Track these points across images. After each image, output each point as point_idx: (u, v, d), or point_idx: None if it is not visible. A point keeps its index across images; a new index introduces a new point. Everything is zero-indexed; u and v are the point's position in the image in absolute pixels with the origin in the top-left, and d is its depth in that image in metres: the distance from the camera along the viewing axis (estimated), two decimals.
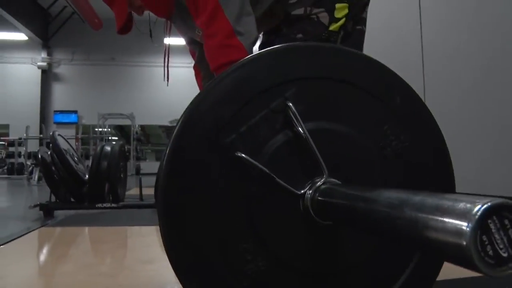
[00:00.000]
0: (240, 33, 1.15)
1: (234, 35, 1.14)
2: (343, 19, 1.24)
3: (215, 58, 1.18)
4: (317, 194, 0.65)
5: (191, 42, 1.57)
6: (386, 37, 4.71)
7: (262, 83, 0.67)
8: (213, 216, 0.64)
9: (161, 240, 0.65)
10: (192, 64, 1.67)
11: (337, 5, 1.24)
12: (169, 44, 1.51)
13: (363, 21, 1.34)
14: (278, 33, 1.30)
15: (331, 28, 1.23)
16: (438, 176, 0.74)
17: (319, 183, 0.66)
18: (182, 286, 0.64)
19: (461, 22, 3.57)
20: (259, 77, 0.68)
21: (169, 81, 1.59)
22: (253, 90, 0.67)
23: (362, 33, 1.34)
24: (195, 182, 0.64)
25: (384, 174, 0.71)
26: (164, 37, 1.50)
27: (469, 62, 3.46)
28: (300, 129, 0.66)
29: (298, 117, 0.66)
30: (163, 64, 1.58)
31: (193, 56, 1.64)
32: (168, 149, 0.66)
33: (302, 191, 0.66)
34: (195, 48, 1.58)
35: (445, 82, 3.79)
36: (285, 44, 0.74)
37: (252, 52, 1.15)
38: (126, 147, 12.72)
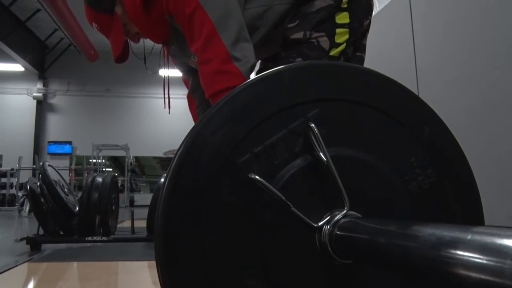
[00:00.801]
0: (237, 58, 1.10)
1: (230, 61, 1.09)
2: (344, 45, 1.21)
3: (211, 84, 1.12)
4: (336, 228, 0.57)
5: (185, 70, 1.54)
6: (381, 67, 4.74)
7: (282, 101, 0.61)
8: (217, 244, 0.56)
9: (152, 277, 0.57)
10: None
11: (338, 30, 1.20)
12: (168, 72, 1.48)
13: (363, 48, 1.31)
14: (276, 58, 1.26)
15: (332, 53, 1.20)
16: (466, 215, 0.67)
17: (339, 215, 0.58)
18: None
19: (456, 52, 3.58)
20: (279, 94, 0.61)
21: (164, 112, 1.55)
22: (271, 108, 0.60)
23: (361, 60, 1.31)
24: (201, 203, 0.56)
25: (407, 210, 0.64)
26: (161, 64, 1.46)
27: (464, 92, 3.45)
28: (322, 154, 0.59)
29: (321, 140, 0.59)
30: (158, 96, 1.55)
31: (186, 85, 1.60)
32: (172, 166, 0.58)
33: (320, 224, 0.59)
34: (189, 77, 1.55)
35: (441, 111, 3.76)
36: (309, 61, 0.68)
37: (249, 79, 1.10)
38: (120, 179, 12.66)
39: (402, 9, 4.38)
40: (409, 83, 3.51)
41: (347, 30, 1.21)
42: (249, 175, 0.57)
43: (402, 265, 0.46)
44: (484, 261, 0.33)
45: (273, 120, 0.60)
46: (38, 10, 10.60)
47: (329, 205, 0.60)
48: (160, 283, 0.57)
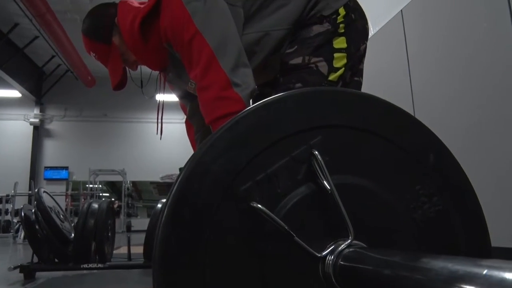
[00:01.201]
0: (237, 84, 1.09)
1: (230, 86, 1.09)
2: (342, 69, 1.21)
3: (211, 111, 1.12)
4: (340, 259, 0.56)
5: (182, 96, 1.53)
6: (377, 89, 4.77)
7: (285, 128, 0.60)
8: (217, 275, 0.54)
9: None
10: (184, 120, 1.63)
11: (336, 55, 1.21)
12: (163, 97, 1.48)
13: (360, 73, 1.32)
14: (274, 83, 1.26)
15: (330, 77, 1.20)
16: (473, 244, 0.65)
17: (343, 245, 0.57)
18: None
19: (450, 73, 3.61)
20: (282, 121, 0.60)
21: (162, 137, 1.54)
22: (274, 135, 0.59)
23: (359, 84, 1.32)
24: (201, 232, 0.55)
25: (412, 238, 0.62)
26: (157, 90, 1.46)
27: (460, 113, 3.46)
28: (325, 182, 0.58)
29: (325, 168, 0.58)
30: (155, 120, 1.54)
31: (184, 111, 1.60)
32: (172, 194, 0.56)
33: (323, 254, 0.57)
34: (186, 103, 1.55)
35: (438, 132, 3.77)
36: (311, 88, 0.67)
37: (250, 105, 1.10)
38: (117, 203, 12.49)
39: (396, 32, 4.44)
40: (405, 104, 3.54)
41: (344, 54, 1.21)
42: (251, 204, 0.56)
43: None
44: None
45: (275, 148, 0.59)
46: (36, 37, 10.70)
47: (333, 234, 0.59)
48: None
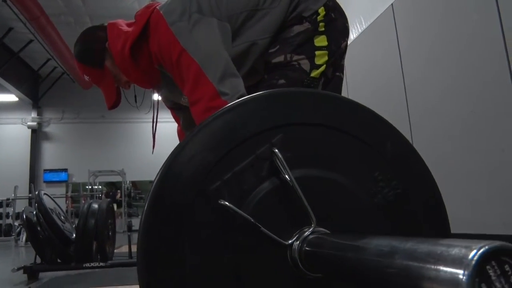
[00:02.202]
0: (225, 93, 1.13)
1: (218, 96, 1.13)
2: (324, 66, 1.25)
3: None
4: (305, 245, 0.61)
5: (175, 108, 1.57)
6: (370, 82, 4.81)
7: (248, 129, 0.65)
8: (196, 266, 0.60)
9: None
10: (177, 129, 1.67)
11: (317, 52, 1.25)
12: (157, 114, 1.52)
13: (341, 68, 1.36)
14: (259, 81, 1.30)
15: (313, 74, 1.24)
16: (432, 222, 0.70)
17: (307, 232, 0.62)
18: None
19: (443, 65, 3.66)
20: (245, 123, 0.65)
21: (158, 136, 1.60)
22: (239, 136, 0.64)
23: (340, 79, 1.36)
24: (177, 230, 0.60)
25: (375, 222, 0.68)
26: (153, 109, 1.51)
27: (453, 104, 3.51)
28: (287, 176, 0.63)
29: (285, 164, 0.63)
30: (152, 120, 1.58)
31: (176, 121, 1.64)
32: (150, 194, 0.62)
33: (290, 241, 0.62)
34: (179, 114, 1.59)
35: (431, 123, 3.83)
36: (270, 90, 0.72)
37: None
38: (119, 193, 12.41)
39: (387, 25, 4.48)
40: (398, 97, 3.60)
41: (326, 52, 1.25)
42: (220, 202, 0.61)
43: (360, 277, 0.49)
44: (440, 272, 0.36)
45: (241, 148, 0.64)
46: (31, 41, 10.70)
47: (298, 223, 0.64)
48: None
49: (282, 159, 0.64)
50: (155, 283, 0.59)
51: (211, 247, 0.61)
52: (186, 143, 0.64)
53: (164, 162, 0.64)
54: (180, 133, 1.62)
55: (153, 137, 1.55)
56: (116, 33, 1.31)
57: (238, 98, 1.13)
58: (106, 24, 1.35)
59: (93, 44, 1.35)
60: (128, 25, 1.32)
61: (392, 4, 4.42)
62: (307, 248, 0.60)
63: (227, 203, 0.61)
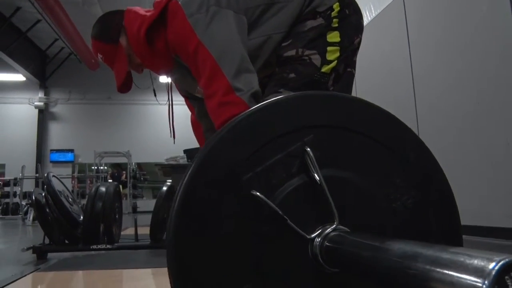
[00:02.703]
0: (239, 89, 1.15)
1: (232, 92, 1.15)
2: (335, 62, 1.26)
3: (217, 116, 1.19)
4: (326, 240, 0.64)
5: (189, 97, 1.59)
6: (378, 73, 4.80)
7: (282, 127, 0.68)
8: (223, 253, 0.64)
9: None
10: (190, 118, 1.68)
11: (329, 48, 1.26)
12: (172, 103, 1.54)
13: (353, 64, 1.36)
14: (270, 74, 1.32)
15: (323, 69, 1.25)
16: (445, 233, 0.74)
17: (329, 229, 0.65)
18: None
19: (451, 57, 3.64)
20: (279, 121, 0.69)
21: (165, 118, 1.61)
22: (272, 133, 0.68)
23: (352, 75, 1.37)
24: (209, 217, 0.64)
25: (392, 226, 0.71)
26: (168, 94, 1.53)
27: (460, 96, 3.51)
28: (315, 175, 0.67)
29: (314, 161, 0.67)
30: (159, 102, 1.59)
31: (190, 109, 1.65)
32: (184, 182, 0.66)
33: (312, 236, 0.66)
34: (193, 104, 1.60)
35: (437, 115, 3.83)
36: (304, 92, 0.75)
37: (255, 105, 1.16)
38: (124, 174, 12.52)
39: (397, 15, 4.44)
40: (405, 87, 3.59)
41: (338, 48, 1.26)
42: (251, 192, 0.64)
43: (381, 275, 0.52)
44: (460, 280, 0.39)
45: (273, 144, 0.67)
46: (39, 21, 10.69)
47: (321, 220, 0.67)
48: None
49: (313, 157, 0.67)
50: (184, 267, 0.63)
51: (237, 234, 0.65)
52: (223, 134, 0.67)
53: (201, 150, 0.67)
54: (194, 122, 1.64)
55: (171, 126, 1.57)
56: (133, 15, 1.33)
57: (252, 95, 1.16)
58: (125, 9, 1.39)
59: (110, 21, 1.38)
60: (147, 11, 1.34)
61: None
62: (327, 244, 0.64)
63: (258, 193, 0.64)
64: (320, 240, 0.65)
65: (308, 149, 0.67)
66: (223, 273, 0.63)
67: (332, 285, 0.66)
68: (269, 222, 0.65)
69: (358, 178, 0.70)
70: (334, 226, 0.65)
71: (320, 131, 0.70)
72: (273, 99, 0.72)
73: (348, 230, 0.66)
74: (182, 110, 1.56)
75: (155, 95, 1.61)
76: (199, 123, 1.60)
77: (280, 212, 0.64)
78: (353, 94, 1.37)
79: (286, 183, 0.67)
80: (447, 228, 0.74)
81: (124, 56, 1.35)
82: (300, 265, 0.65)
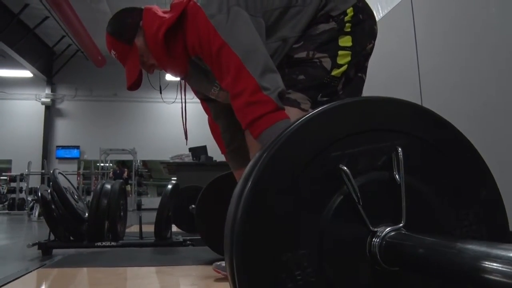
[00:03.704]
0: (266, 88, 1.15)
1: (260, 91, 1.14)
2: (346, 66, 1.26)
3: (244, 116, 1.18)
4: (387, 236, 0.65)
5: (205, 98, 1.59)
6: (385, 72, 4.78)
7: (379, 123, 0.71)
8: (290, 217, 0.65)
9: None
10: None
11: (340, 52, 1.26)
12: (185, 104, 1.54)
13: (364, 70, 1.36)
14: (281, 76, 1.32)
15: (333, 73, 1.25)
16: None
17: (394, 227, 0.66)
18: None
19: (458, 56, 3.62)
20: (378, 116, 0.71)
21: (171, 116, 1.62)
22: (367, 125, 0.70)
23: (362, 81, 1.36)
24: (290, 179, 0.65)
25: None
26: (180, 96, 1.53)
27: (467, 96, 3.49)
28: (398, 175, 0.69)
29: (402, 164, 0.69)
30: (165, 100, 1.60)
31: (206, 111, 1.65)
32: (276, 140, 0.66)
33: (376, 229, 0.67)
34: (210, 105, 1.60)
35: (444, 114, 3.80)
36: (410, 102, 0.77)
37: (281, 106, 1.16)
38: (126, 171, 12.59)
39: (404, 15, 4.42)
40: (412, 87, 3.58)
41: (349, 52, 1.26)
42: (339, 166, 0.66)
43: (445, 274, 0.55)
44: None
45: (366, 135, 0.70)
46: (47, 18, 10.75)
47: (388, 219, 0.68)
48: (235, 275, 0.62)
49: (402, 159, 0.69)
50: (253, 223, 0.63)
51: (309, 206, 0.66)
52: (316, 115, 0.69)
53: (293, 123, 0.69)
54: (211, 124, 1.64)
55: (185, 127, 1.57)
56: (151, 16, 1.33)
57: (279, 93, 1.15)
58: (143, 7, 1.38)
59: (127, 20, 1.38)
60: (164, 12, 1.34)
61: None
62: (388, 240, 0.65)
63: (345, 168, 0.66)
64: (382, 235, 0.66)
65: (400, 149, 0.69)
66: (283, 238, 0.64)
67: (388, 283, 0.67)
68: (341, 202, 0.66)
69: (433, 194, 0.72)
70: (400, 225, 0.67)
71: (412, 139, 0.72)
72: (374, 96, 0.74)
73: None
74: (188, 108, 1.56)
75: (160, 92, 1.62)
76: (217, 124, 1.61)
77: (358, 193, 0.66)
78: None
79: (367, 173, 0.69)
80: None
81: (137, 56, 1.36)
82: (358, 255, 0.67)
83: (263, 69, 1.16)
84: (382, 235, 0.66)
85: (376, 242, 0.66)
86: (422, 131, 0.73)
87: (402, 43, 4.50)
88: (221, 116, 1.57)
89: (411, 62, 4.26)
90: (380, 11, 4.98)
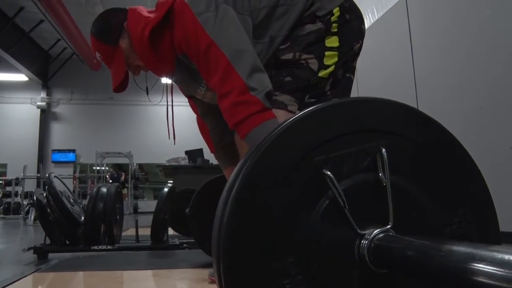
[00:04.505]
0: (253, 88, 1.14)
1: (247, 91, 1.14)
2: (333, 67, 1.25)
3: (231, 116, 1.17)
4: (375, 238, 0.65)
5: (192, 97, 1.58)
6: (380, 74, 4.79)
7: (362, 124, 0.70)
8: (278, 228, 0.64)
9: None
10: (196, 118, 1.67)
11: (327, 53, 1.25)
12: (172, 104, 1.53)
13: (352, 70, 1.35)
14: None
15: (320, 74, 1.24)
16: None
17: (381, 229, 0.66)
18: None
19: (453, 60, 3.64)
20: (360, 118, 0.70)
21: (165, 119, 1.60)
22: (351, 127, 0.69)
23: (350, 81, 1.35)
24: (272, 193, 0.64)
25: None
26: (166, 97, 1.52)
27: (462, 99, 3.50)
28: (384, 176, 0.68)
29: (386, 165, 0.68)
30: (161, 104, 1.60)
31: (193, 109, 1.65)
32: (259, 146, 0.66)
33: (363, 232, 0.66)
34: (197, 103, 1.59)
35: (439, 117, 3.81)
36: (391, 100, 0.76)
37: (269, 106, 1.16)
38: (123, 175, 12.53)
39: (400, 17, 4.44)
40: (408, 90, 3.61)
41: (336, 53, 1.25)
42: (323, 171, 0.65)
43: (432, 275, 0.54)
44: (502, 273, 0.43)
45: (350, 137, 0.69)
46: (42, 21, 10.73)
47: (375, 221, 0.68)
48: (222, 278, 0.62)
49: (386, 159, 0.68)
50: (240, 229, 0.63)
51: (294, 211, 0.65)
52: (302, 117, 0.68)
53: (278, 126, 0.68)
54: (200, 123, 1.63)
55: (172, 127, 1.56)
56: (136, 17, 1.32)
57: (266, 94, 1.15)
58: (127, 8, 1.37)
59: (111, 21, 1.37)
60: (149, 12, 1.33)
61: None
62: (377, 242, 0.64)
63: (329, 173, 0.65)
64: (370, 237, 0.65)
65: (384, 150, 0.69)
66: (271, 246, 0.63)
67: (377, 285, 0.67)
68: (327, 207, 0.66)
69: (421, 193, 0.71)
70: (388, 227, 0.66)
71: (398, 139, 0.71)
72: (360, 97, 0.74)
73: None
74: (184, 111, 1.57)
75: (147, 94, 1.61)
76: (205, 123, 1.60)
77: (343, 197, 0.65)
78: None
79: (353, 176, 0.68)
80: None
81: (123, 58, 1.35)
82: (347, 259, 0.66)
83: (251, 69, 1.15)
84: (370, 237, 0.65)
85: (364, 244, 0.65)
86: (408, 130, 0.73)
87: (397, 45, 4.52)
88: (208, 114, 1.57)
89: (407, 65, 4.27)
90: (376, 13, 5.00)
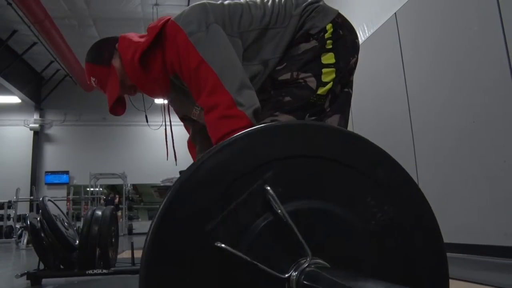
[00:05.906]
0: (241, 104, 1.14)
1: (234, 105, 1.14)
2: (331, 83, 1.25)
3: (216, 130, 1.16)
4: (302, 277, 0.62)
5: (185, 118, 1.58)
6: (373, 92, 4.83)
7: (240, 167, 0.65)
8: None
9: None
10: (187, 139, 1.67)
11: (324, 70, 1.25)
12: (170, 124, 1.53)
13: (350, 84, 1.36)
14: (267, 99, 1.31)
15: (319, 92, 1.24)
16: (427, 247, 0.71)
17: (304, 265, 0.63)
18: None
19: (445, 75, 3.68)
20: (236, 162, 0.66)
21: (161, 139, 1.59)
22: (231, 175, 0.65)
23: (349, 95, 1.36)
24: (180, 271, 0.61)
25: (370, 248, 0.69)
26: (163, 118, 1.52)
27: (454, 114, 3.53)
28: (279, 211, 0.64)
29: (276, 199, 0.64)
30: (154, 124, 1.59)
31: (188, 131, 1.65)
32: (149, 237, 0.63)
33: (287, 275, 0.63)
34: (189, 125, 1.60)
35: (432, 133, 3.84)
36: (257, 126, 0.72)
37: (255, 123, 1.15)
38: (117, 198, 12.42)
39: (390, 34, 4.49)
40: (401, 106, 3.62)
41: (333, 69, 1.25)
42: (216, 244, 0.62)
43: None
44: None
45: (235, 186, 0.65)
46: (35, 43, 10.75)
47: (295, 255, 0.65)
48: None
49: (274, 194, 0.64)
50: None
51: (211, 286, 0.62)
52: (183, 183, 0.65)
53: (163, 203, 0.64)
54: (190, 144, 1.63)
55: (172, 147, 1.55)
56: (127, 43, 1.33)
57: (254, 111, 1.14)
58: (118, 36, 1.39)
59: (103, 44, 1.39)
60: (140, 37, 1.34)
61: (395, 13, 4.44)
62: (304, 282, 0.62)
63: (223, 245, 0.62)
64: (296, 277, 0.63)
65: (268, 187, 0.65)
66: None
67: None
68: (242, 269, 0.63)
69: (326, 205, 0.68)
70: (308, 261, 0.63)
71: (280, 165, 0.67)
72: (227, 140, 0.69)
73: (325, 264, 0.64)
74: (177, 131, 1.56)
75: (147, 121, 1.61)
76: (194, 144, 1.60)
77: (248, 259, 0.62)
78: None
79: (253, 224, 0.65)
80: (428, 241, 0.71)
81: (116, 78, 1.35)
82: None
83: (239, 85, 1.16)
84: (295, 279, 0.63)
85: (292, 286, 0.63)
86: (282, 151, 0.68)
87: (389, 62, 4.57)
88: (197, 138, 1.57)
89: (399, 80, 4.31)
90: (366, 31, 5.06)
